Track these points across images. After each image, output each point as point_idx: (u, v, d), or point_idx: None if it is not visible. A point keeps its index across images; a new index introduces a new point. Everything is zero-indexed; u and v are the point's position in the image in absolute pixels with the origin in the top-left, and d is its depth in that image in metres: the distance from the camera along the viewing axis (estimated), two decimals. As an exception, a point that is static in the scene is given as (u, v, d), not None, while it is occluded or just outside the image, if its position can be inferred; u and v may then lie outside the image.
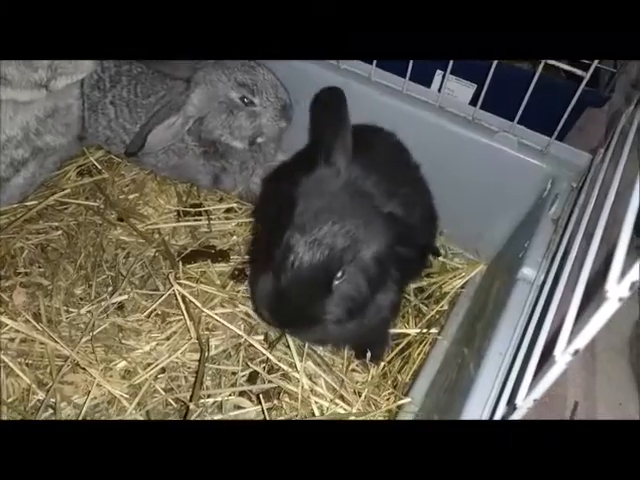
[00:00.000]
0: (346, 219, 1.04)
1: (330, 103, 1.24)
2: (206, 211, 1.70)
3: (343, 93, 1.25)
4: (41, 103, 1.51)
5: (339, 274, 1.05)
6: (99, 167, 1.74)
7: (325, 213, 1.05)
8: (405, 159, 1.48)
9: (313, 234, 1.04)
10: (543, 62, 1.33)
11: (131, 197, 1.74)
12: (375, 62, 1.56)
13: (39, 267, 1.54)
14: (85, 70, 1.46)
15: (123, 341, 1.39)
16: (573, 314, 0.61)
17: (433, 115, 1.53)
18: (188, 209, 1.70)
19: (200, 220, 1.68)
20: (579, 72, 1.36)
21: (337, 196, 1.08)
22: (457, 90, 1.79)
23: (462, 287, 1.58)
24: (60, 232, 1.60)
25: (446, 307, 1.55)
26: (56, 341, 1.34)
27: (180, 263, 1.52)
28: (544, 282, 1.05)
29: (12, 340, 1.36)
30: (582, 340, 0.57)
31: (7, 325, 1.35)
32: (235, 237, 1.66)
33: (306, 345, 1.38)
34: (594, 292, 0.64)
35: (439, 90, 1.59)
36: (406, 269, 1.28)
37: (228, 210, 1.74)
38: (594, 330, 0.54)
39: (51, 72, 1.39)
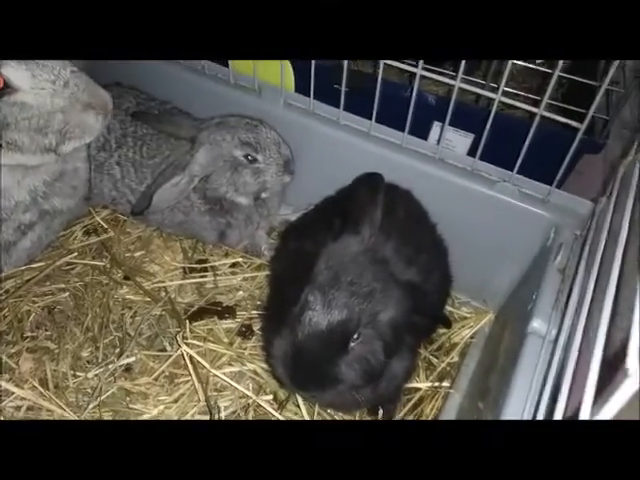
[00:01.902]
0: (365, 283, 1.05)
1: (369, 186, 1.27)
2: (212, 267, 1.71)
3: (383, 179, 1.29)
4: (49, 167, 1.53)
5: (355, 335, 1.05)
6: (105, 226, 1.76)
7: (345, 275, 1.06)
8: (423, 219, 1.52)
9: (332, 294, 1.04)
10: (539, 114, 1.37)
11: (137, 255, 1.75)
12: (374, 118, 1.60)
13: (46, 330, 1.54)
14: (93, 133, 1.49)
15: (131, 405, 1.37)
16: (592, 389, 0.60)
17: (433, 167, 1.56)
18: (194, 265, 1.71)
19: (206, 276, 1.69)
20: (574, 123, 1.39)
21: (358, 260, 1.10)
22: (455, 140, 1.83)
23: (471, 337, 1.57)
24: (67, 294, 1.60)
25: (457, 358, 1.53)
26: (63, 408, 1.32)
27: (187, 322, 1.52)
28: (557, 338, 1.05)
29: (18, 408, 1.34)
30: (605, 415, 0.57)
31: (14, 393, 1.34)
32: (241, 292, 1.66)
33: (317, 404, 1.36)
34: (614, 362, 0.64)
35: (437, 142, 1.63)
36: (420, 336, 1.29)
37: (234, 265, 1.75)
38: (616, 407, 0.53)
39: (60, 136, 1.43)
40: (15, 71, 1.25)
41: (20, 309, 1.55)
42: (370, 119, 1.61)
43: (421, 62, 1.42)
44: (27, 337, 1.51)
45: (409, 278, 1.15)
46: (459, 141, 1.81)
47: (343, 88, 1.57)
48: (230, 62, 1.79)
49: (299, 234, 1.50)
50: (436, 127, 1.84)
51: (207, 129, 1.62)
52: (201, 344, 1.45)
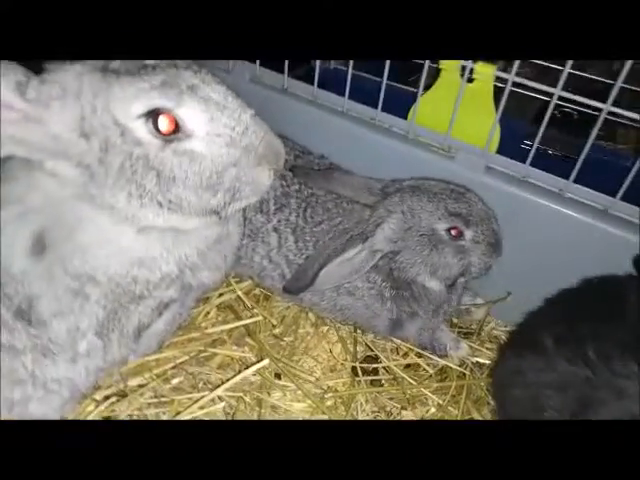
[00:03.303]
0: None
1: None
2: (385, 368, 1.34)
3: None
4: (203, 232, 1.19)
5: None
6: (249, 304, 1.41)
7: None
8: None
9: None
10: None
11: (284, 343, 1.38)
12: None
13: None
14: (261, 192, 1.16)
15: None
16: None
17: None
18: (363, 365, 1.33)
19: (380, 381, 1.31)
20: None
21: None
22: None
23: None
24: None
25: None
26: None
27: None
28: None
29: None
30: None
31: None
32: (433, 409, 1.25)
33: None
34: None
35: None
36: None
37: (408, 366, 1.37)
38: None
39: (230, 196, 1.11)
40: (191, 112, 0.94)
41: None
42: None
43: None
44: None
45: None
46: None
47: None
48: (412, 114, 1.50)
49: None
50: None
51: (398, 194, 1.30)
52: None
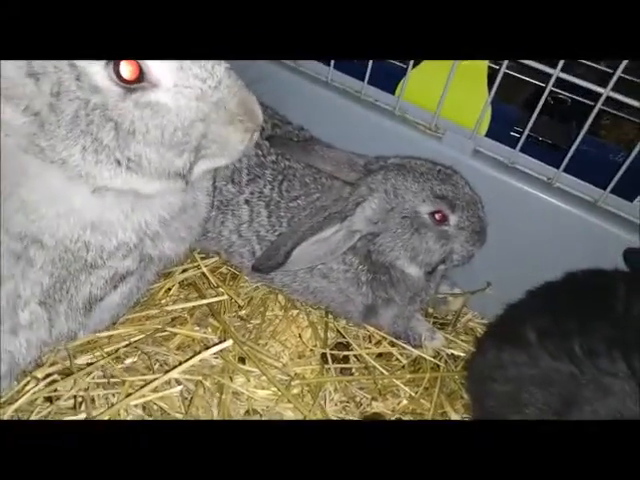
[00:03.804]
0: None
1: None
2: (356, 357, 1.26)
3: None
4: (166, 198, 1.08)
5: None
6: (214, 282, 1.31)
7: None
8: None
9: None
10: None
11: (250, 326, 1.29)
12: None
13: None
14: (234, 154, 1.03)
15: None
16: None
17: None
18: (334, 352, 1.24)
19: (351, 370, 1.23)
20: None
21: None
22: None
23: None
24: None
25: None
26: None
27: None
28: None
29: None
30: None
31: None
32: (404, 401, 1.18)
33: None
34: None
35: None
36: None
37: (381, 355, 1.30)
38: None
39: (195, 156, 1.00)
40: (159, 60, 0.83)
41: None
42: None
43: None
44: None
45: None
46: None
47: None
48: (400, 90, 1.41)
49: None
50: None
51: (381, 172, 1.21)
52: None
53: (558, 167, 1.26)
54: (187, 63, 0.86)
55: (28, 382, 1.04)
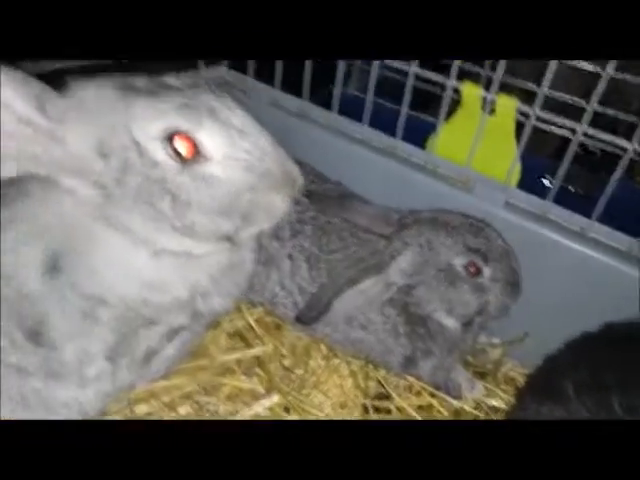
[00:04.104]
0: None
1: None
2: (398, 408, 1.28)
3: None
4: (215, 258, 1.17)
5: None
6: (259, 333, 1.37)
7: None
8: None
9: None
10: None
11: (294, 376, 1.34)
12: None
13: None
14: (276, 218, 1.14)
15: None
16: None
17: None
18: (375, 403, 1.28)
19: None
20: None
21: None
22: None
23: None
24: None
25: None
26: None
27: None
28: None
29: None
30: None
31: None
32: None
33: None
34: None
35: None
36: None
37: (420, 407, 1.31)
38: None
39: (243, 221, 1.09)
40: (210, 135, 0.93)
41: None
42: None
43: None
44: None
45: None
46: None
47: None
48: (431, 145, 1.49)
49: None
50: None
51: (415, 226, 1.28)
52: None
53: (590, 216, 1.30)
54: (236, 137, 0.96)
55: (93, 431, 1.12)
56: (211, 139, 0.92)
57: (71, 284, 0.99)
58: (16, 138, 0.86)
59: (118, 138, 0.90)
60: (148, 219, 0.96)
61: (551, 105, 1.31)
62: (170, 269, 1.08)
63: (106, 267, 1.01)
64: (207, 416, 1.18)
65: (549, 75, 1.22)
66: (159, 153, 0.91)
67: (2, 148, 0.85)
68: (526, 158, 1.39)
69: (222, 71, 1.72)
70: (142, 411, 1.18)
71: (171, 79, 0.99)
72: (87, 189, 0.95)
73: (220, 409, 1.21)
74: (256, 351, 1.33)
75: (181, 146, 0.91)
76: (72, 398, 1.06)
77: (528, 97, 1.34)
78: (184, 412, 1.20)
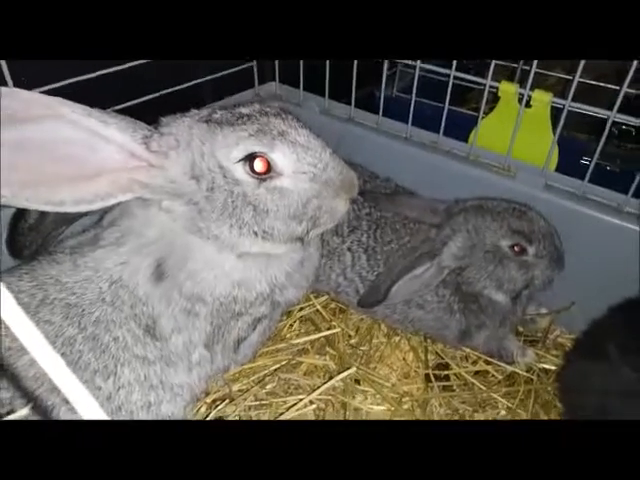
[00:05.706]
0: None
1: None
2: (456, 374, 1.45)
3: None
4: (289, 256, 1.36)
5: None
6: (327, 317, 1.57)
7: None
8: None
9: None
10: None
11: (360, 352, 1.52)
12: None
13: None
14: (338, 218, 1.32)
15: None
16: None
17: None
18: (436, 372, 1.45)
19: (452, 387, 1.42)
20: None
21: None
22: None
23: None
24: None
25: None
26: None
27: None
28: None
29: None
30: None
31: None
32: (503, 411, 1.36)
33: None
34: None
35: None
36: None
37: (477, 373, 1.47)
38: None
39: (312, 223, 1.27)
40: (281, 155, 1.09)
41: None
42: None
43: None
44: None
45: None
46: None
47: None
48: (473, 137, 1.61)
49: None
50: None
51: (462, 214, 1.41)
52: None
53: (627, 192, 1.39)
54: (302, 154, 1.13)
55: (200, 407, 1.35)
56: (282, 158, 1.09)
57: (175, 286, 1.20)
58: (128, 170, 1.07)
59: (206, 163, 1.09)
60: (233, 228, 1.15)
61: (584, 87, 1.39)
62: (253, 269, 1.27)
63: (202, 271, 1.21)
64: (291, 390, 1.39)
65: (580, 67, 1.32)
66: (240, 173, 1.09)
67: (119, 179, 1.06)
68: (564, 140, 1.49)
69: (273, 86, 1.90)
70: (236, 388, 1.39)
71: (244, 108, 1.17)
72: (182, 206, 1.15)
73: (301, 382, 1.41)
74: (326, 333, 1.51)
75: (258, 166, 1.09)
76: (183, 381, 1.28)
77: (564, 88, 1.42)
78: (270, 387, 1.40)
